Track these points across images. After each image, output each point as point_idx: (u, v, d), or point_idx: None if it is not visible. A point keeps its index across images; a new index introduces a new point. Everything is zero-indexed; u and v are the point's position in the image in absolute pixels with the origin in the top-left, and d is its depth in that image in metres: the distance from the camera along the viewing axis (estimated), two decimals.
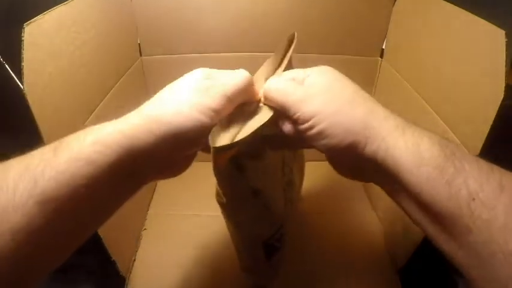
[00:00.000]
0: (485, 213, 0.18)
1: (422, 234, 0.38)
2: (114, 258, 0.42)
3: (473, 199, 0.19)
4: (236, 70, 0.27)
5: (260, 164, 0.29)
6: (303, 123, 0.24)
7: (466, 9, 0.35)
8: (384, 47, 0.54)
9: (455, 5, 0.36)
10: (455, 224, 0.19)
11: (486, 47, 0.31)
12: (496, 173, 0.20)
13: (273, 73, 0.30)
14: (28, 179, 0.19)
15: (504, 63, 0.28)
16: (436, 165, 0.20)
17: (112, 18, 0.45)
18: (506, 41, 0.28)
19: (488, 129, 0.30)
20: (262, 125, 0.24)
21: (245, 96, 0.27)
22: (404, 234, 0.46)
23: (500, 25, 0.29)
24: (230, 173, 0.28)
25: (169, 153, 0.23)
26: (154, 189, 0.61)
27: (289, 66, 0.30)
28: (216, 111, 0.23)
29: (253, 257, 0.38)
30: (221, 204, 0.31)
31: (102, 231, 0.37)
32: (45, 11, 0.31)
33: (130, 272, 0.47)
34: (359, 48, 0.55)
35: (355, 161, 0.24)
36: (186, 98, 0.23)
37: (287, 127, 0.26)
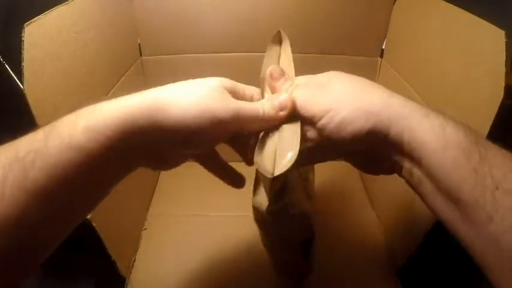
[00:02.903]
0: (508, 202, 0.18)
1: (422, 235, 0.39)
2: (114, 258, 0.41)
3: (497, 188, 0.19)
4: (259, 101, 0.26)
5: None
6: (320, 118, 0.23)
7: (466, 9, 0.35)
8: (384, 47, 0.54)
9: (455, 5, 0.36)
10: (478, 212, 0.19)
11: (486, 47, 0.31)
12: None
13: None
14: (17, 168, 0.18)
15: (504, 63, 0.28)
16: (462, 150, 0.20)
17: (112, 18, 0.45)
18: (506, 41, 0.28)
19: (488, 129, 0.30)
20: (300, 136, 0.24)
21: (259, 127, 0.26)
22: (404, 234, 0.46)
23: (500, 25, 0.29)
24: (282, 205, 0.28)
25: (161, 145, 0.23)
26: (155, 189, 0.61)
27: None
28: (222, 123, 0.23)
29: (292, 259, 0.38)
30: (262, 223, 0.31)
31: (102, 231, 0.37)
32: (45, 11, 0.31)
33: (131, 272, 0.47)
34: (359, 48, 0.54)
35: (379, 148, 0.23)
36: (199, 95, 0.22)
37: (312, 132, 0.25)
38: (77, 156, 0.19)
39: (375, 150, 0.24)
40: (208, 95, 0.23)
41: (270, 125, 0.26)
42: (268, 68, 0.27)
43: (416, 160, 0.22)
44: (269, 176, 0.23)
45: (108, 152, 0.20)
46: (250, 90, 0.28)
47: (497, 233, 0.19)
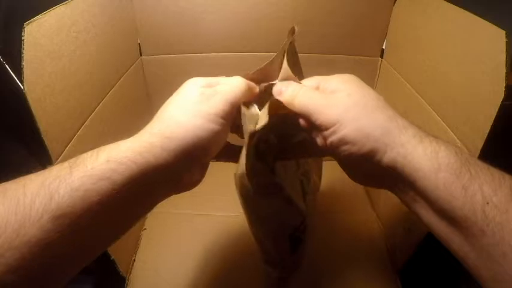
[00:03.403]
0: (498, 216, 0.19)
1: (422, 234, 0.39)
2: (114, 258, 0.42)
3: (487, 203, 0.20)
4: (232, 77, 0.28)
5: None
6: (326, 129, 0.24)
7: (466, 9, 0.35)
8: (384, 47, 0.54)
9: (455, 5, 0.36)
10: (470, 228, 0.20)
11: (486, 47, 0.31)
12: (507, 179, 0.21)
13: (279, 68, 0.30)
14: (44, 194, 0.20)
15: (504, 63, 0.28)
16: (453, 171, 0.21)
17: (112, 18, 0.45)
18: (506, 41, 0.28)
19: (488, 129, 0.30)
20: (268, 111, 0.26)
21: (244, 99, 0.28)
22: (404, 234, 0.46)
23: (500, 25, 0.29)
24: (261, 170, 0.29)
25: (183, 167, 0.24)
26: None
27: (294, 59, 0.30)
28: (223, 117, 0.25)
29: (278, 251, 0.38)
30: (245, 197, 0.31)
31: None
32: (45, 10, 0.31)
33: (130, 272, 0.47)
34: (359, 48, 0.54)
35: (373, 169, 0.24)
36: (193, 109, 0.24)
37: (319, 139, 0.26)
38: (99, 185, 0.20)
39: (367, 168, 0.25)
40: (199, 100, 0.25)
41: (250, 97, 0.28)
42: (274, 88, 0.29)
43: (409, 182, 0.23)
44: (250, 130, 0.25)
45: (130, 183, 0.21)
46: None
47: (489, 246, 0.20)
